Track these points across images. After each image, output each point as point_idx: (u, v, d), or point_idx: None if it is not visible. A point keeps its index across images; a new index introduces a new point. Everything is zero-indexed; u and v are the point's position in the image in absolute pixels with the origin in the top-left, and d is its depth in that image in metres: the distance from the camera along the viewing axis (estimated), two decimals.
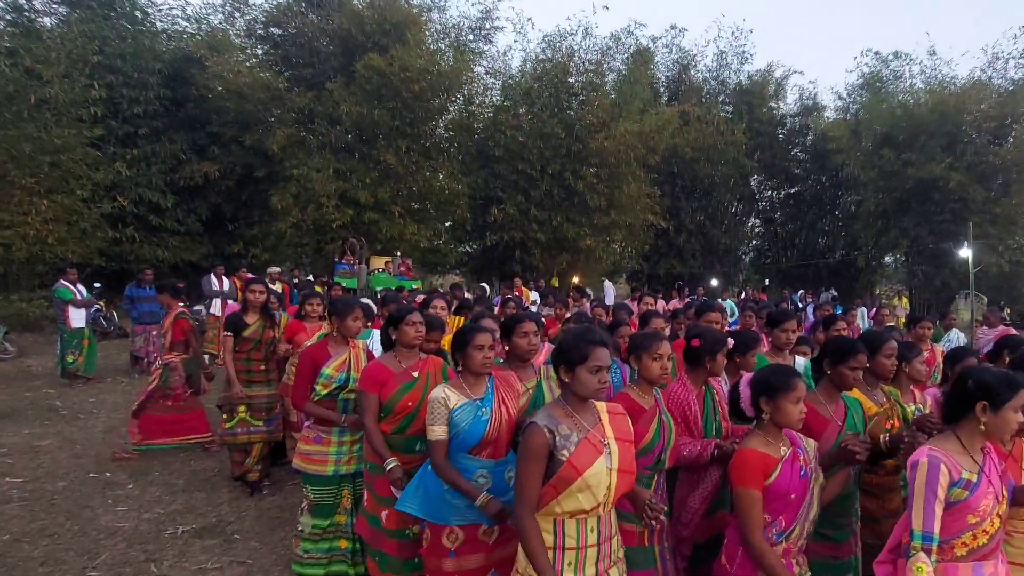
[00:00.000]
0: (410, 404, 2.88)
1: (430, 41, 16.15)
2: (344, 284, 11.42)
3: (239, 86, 14.24)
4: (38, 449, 5.93)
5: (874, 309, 11.42)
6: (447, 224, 17.61)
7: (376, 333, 4.28)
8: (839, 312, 7.34)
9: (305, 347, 3.94)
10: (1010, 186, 17.51)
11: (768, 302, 10.00)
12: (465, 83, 16.36)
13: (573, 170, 16.15)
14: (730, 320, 9.20)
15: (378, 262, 14.33)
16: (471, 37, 18.22)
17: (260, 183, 15.70)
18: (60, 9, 15.21)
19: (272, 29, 16.24)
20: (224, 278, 10.58)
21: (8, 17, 14.21)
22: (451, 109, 17.07)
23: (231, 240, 16.65)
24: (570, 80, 16.93)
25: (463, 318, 5.42)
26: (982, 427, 1.97)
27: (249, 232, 16.34)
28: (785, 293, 16.55)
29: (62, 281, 8.93)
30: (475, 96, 17.76)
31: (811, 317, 10.40)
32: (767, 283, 22.57)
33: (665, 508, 2.35)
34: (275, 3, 16.05)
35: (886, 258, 22.11)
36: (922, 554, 1.88)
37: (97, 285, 12.48)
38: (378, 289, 11.97)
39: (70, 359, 8.67)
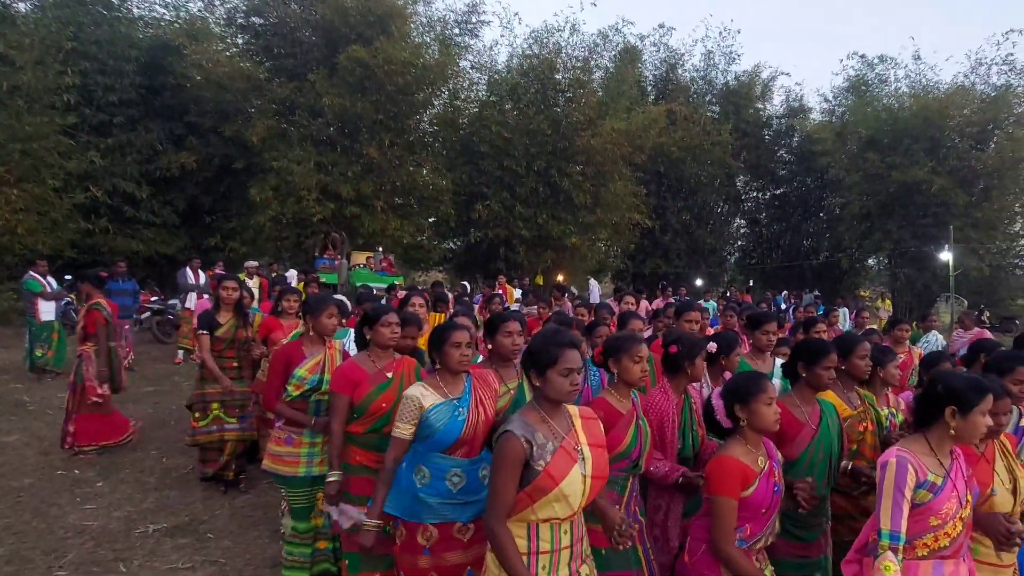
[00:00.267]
0: (384, 405, 2.84)
1: (415, 34, 16.02)
2: (324, 279, 11.26)
3: (218, 76, 14.00)
4: (4, 445, 5.78)
5: (855, 311, 11.53)
6: (431, 220, 17.45)
7: (352, 332, 4.20)
8: (820, 313, 7.38)
9: (279, 345, 3.89)
10: (991, 191, 17.84)
11: (750, 303, 10.03)
12: (450, 77, 16.26)
13: (559, 167, 16.12)
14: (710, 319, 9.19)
15: (359, 257, 14.18)
16: (457, 31, 18.16)
17: (239, 175, 15.44)
18: None
19: (253, 18, 15.95)
20: (200, 272, 10.39)
21: None
22: (436, 103, 16.97)
23: (208, 233, 16.32)
24: (557, 77, 16.90)
25: (442, 315, 5.36)
26: (951, 431, 2.01)
27: (227, 225, 16.05)
28: (768, 295, 16.69)
29: (31, 273, 8.75)
30: (460, 91, 17.67)
31: (793, 318, 10.45)
32: (751, 284, 22.77)
33: (636, 528, 2.35)
34: None
35: (869, 260, 22.46)
36: (889, 553, 1.92)
37: (68, 277, 12.17)
38: (357, 285, 11.83)
39: (39, 353, 8.48)
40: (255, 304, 7.24)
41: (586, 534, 2.11)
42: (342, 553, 3.00)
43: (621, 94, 17.89)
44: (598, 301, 12.68)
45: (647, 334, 4.80)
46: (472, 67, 18.55)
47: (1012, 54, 19.29)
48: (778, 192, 24.30)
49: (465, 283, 14.42)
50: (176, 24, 16.20)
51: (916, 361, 4.53)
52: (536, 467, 1.90)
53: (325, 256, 13.74)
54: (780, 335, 4.31)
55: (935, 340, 7.34)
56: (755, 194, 24.88)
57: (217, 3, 16.66)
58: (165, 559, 3.75)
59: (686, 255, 22.02)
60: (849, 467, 2.66)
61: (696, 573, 2.19)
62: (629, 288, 16.51)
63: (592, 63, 18.29)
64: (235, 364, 4.77)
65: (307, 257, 14.68)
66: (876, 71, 20.25)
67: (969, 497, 2.06)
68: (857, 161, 18.58)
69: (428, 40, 16.40)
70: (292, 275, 11.93)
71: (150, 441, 5.98)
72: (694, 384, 3.02)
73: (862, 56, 20.47)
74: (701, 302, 10.50)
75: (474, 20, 18.19)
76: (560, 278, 17.19)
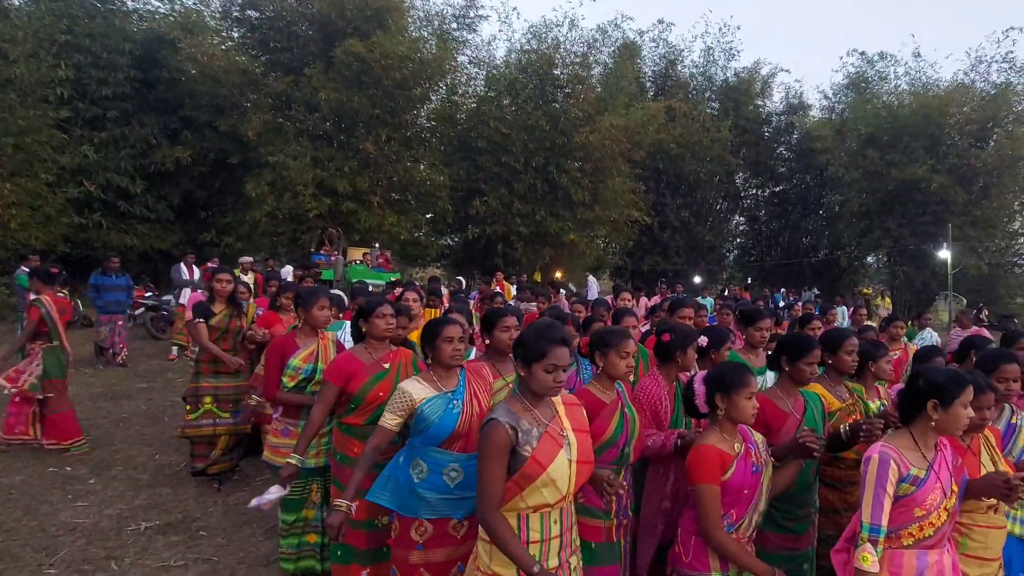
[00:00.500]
0: (381, 395, 2.85)
1: (412, 28, 15.99)
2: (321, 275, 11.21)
3: (213, 69, 13.92)
4: None
5: (851, 309, 11.52)
6: (428, 216, 17.37)
7: (348, 324, 4.19)
8: (817, 311, 7.38)
9: (274, 338, 3.95)
10: (990, 189, 17.82)
11: (748, 301, 10.00)
12: (448, 72, 16.20)
13: (557, 163, 16.05)
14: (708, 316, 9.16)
15: (355, 253, 14.10)
16: (455, 25, 18.11)
17: (234, 170, 15.37)
18: None
19: (249, 12, 15.86)
20: (195, 267, 10.33)
21: None
22: (433, 98, 16.89)
23: (203, 228, 16.26)
24: (555, 72, 16.79)
25: (436, 310, 5.33)
26: (934, 424, 2.08)
27: (222, 220, 15.98)
28: (766, 292, 16.66)
29: (23, 268, 8.66)
30: (458, 86, 17.57)
31: (789, 317, 10.40)
32: (750, 281, 22.76)
33: (625, 485, 2.41)
34: None
35: (868, 258, 22.46)
36: (868, 544, 2.01)
37: (62, 272, 12.10)
38: (353, 281, 11.77)
39: None
40: (251, 299, 7.18)
41: (576, 524, 2.14)
42: (332, 545, 2.99)
43: (620, 90, 17.81)
44: (595, 297, 12.65)
45: (644, 329, 4.78)
46: (470, 62, 18.48)
47: (1012, 52, 19.44)
48: (777, 189, 24.28)
49: (460, 279, 14.36)
50: (171, 17, 16.12)
51: (911, 357, 4.54)
52: (523, 452, 1.92)
53: (322, 252, 13.66)
54: (778, 332, 4.28)
55: (930, 337, 7.54)
56: (754, 191, 24.84)
57: None
58: (157, 557, 3.72)
59: (685, 252, 21.97)
60: (847, 427, 2.66)
61: (687, 563, 2.22)
62: (627, 285, 16.50)
63: (591, 59, 18.19)
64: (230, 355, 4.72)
65: (303, 253, 14.60)
66: (876, 68, 20.24)
67: (955, 487, 2.12)
68: (857, 158, 18.54)
69: (425, 34, 16.35)
70: (288, 271, 11.87)
71: (143, 438, 5.92)
72: (687, 374, 3.02)
73: (862, 53, 20.50)
74: (699, 299, 10.49)
75: (472, 15, 18.19)
76: (558, 275, 17.14)
